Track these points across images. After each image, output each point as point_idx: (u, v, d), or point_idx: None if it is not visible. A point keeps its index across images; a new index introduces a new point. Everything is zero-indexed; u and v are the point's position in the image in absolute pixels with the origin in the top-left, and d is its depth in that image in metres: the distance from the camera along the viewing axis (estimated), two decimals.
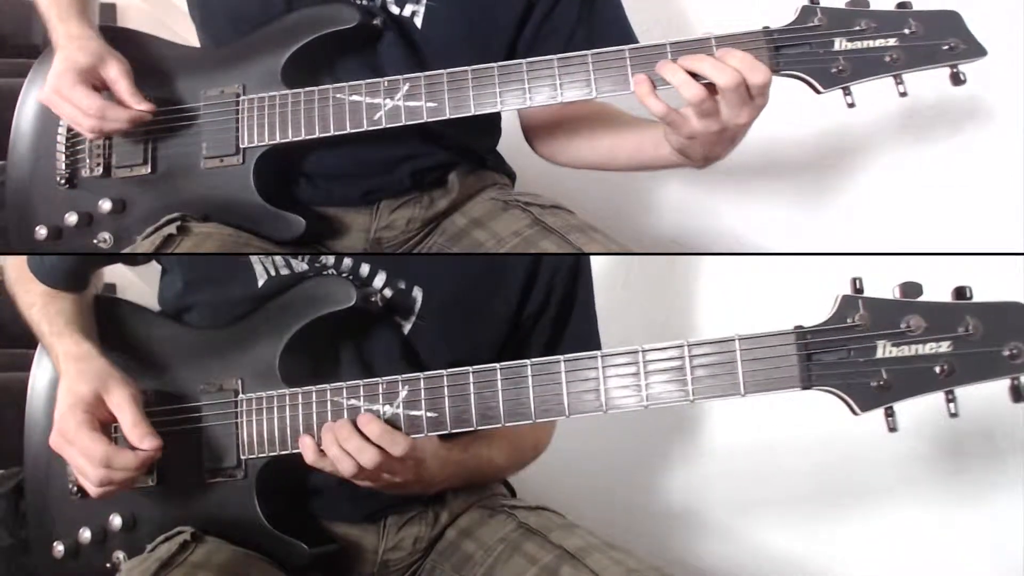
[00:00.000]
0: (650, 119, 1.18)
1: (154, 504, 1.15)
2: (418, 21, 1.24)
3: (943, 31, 1.07)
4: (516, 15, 1.27)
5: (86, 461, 1.06)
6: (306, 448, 1.06)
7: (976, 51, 1.07)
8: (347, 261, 1.19)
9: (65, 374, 1.12)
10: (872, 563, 1.57)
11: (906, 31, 1.08)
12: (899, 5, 1.09)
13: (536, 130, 1.40)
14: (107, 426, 1.10)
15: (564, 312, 1.25)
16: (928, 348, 0.89)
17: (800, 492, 1.60)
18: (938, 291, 0.93)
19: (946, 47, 1.07)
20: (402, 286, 1.17)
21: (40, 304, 1.20)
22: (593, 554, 1.07)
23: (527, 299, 1.22)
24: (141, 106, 1.19)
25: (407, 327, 1.17)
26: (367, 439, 1.03)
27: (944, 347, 0.89)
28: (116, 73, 1.19)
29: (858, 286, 0.92)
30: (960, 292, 0.90)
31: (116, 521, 1.16)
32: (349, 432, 1.03)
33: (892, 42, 1.08)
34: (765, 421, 1.57)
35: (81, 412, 1.08)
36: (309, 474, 1.13)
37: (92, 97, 1.17)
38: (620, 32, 1.29)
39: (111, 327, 1.22)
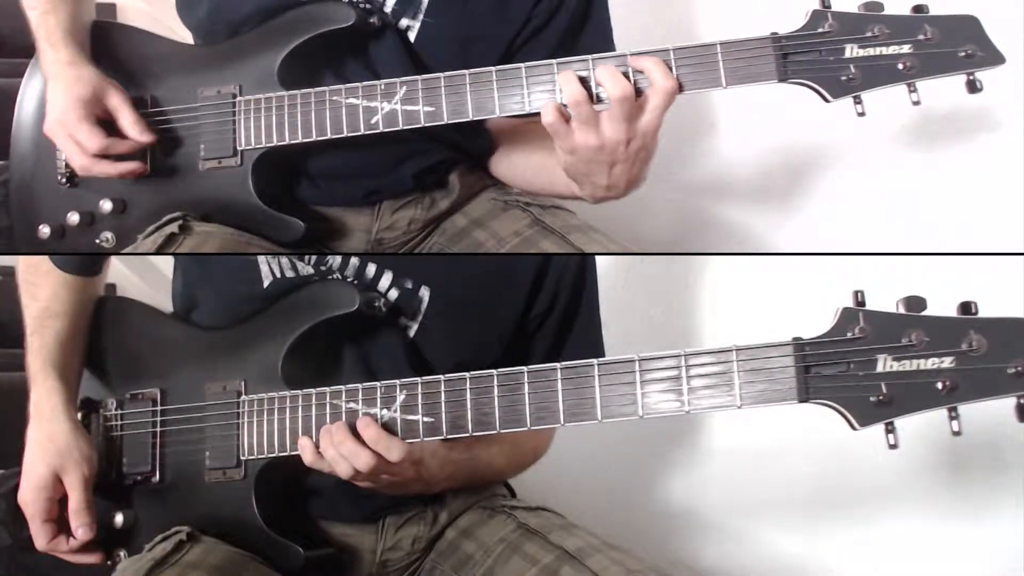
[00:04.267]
0: None
1: (155, 503, 1.16)
2: (412, 36, 1.23)
3: (960, 37, 1.03)
4: (508, 36, 1.25)
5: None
6: (304, 449, 1.06)
7: (994, 58, 1.03)
8: (353, 261, 1.18)
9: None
10: (871, 566, 1.56)
11: (921, 37, 1.03)
12: (914, 9, 1.05)
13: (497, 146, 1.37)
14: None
15: (569, 317, 1.24)
16: (930, 363, 0.87)
17: (800, 494, 1.60)
18: (940, 293, 0.91)
19: (963, 54, 1.03)
20: (409, 286, 1.16)
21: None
22: (593, 555, 1.07)
23: (534, 300, 1.21)
24: (143, 138, 1.19)
25: (413, 327, 1.17)
26: (363, 443, 1.03)
27: (947, 363, 0.86)
28: (117, 102, 1.18)
29: (860, 299, 0.90)
30: (965, 307, 0.88)
31: (118, 519, 1.16)
32: (344, 435, 1.03)
33: (906, 49, 1.04)
34: (765, 422, 1.56)
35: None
36: (307, 475, 1.13)
37: (95, 135, 1.17)
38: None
39: (121, 326, 1.23)
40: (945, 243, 1.53)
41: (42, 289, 1.20)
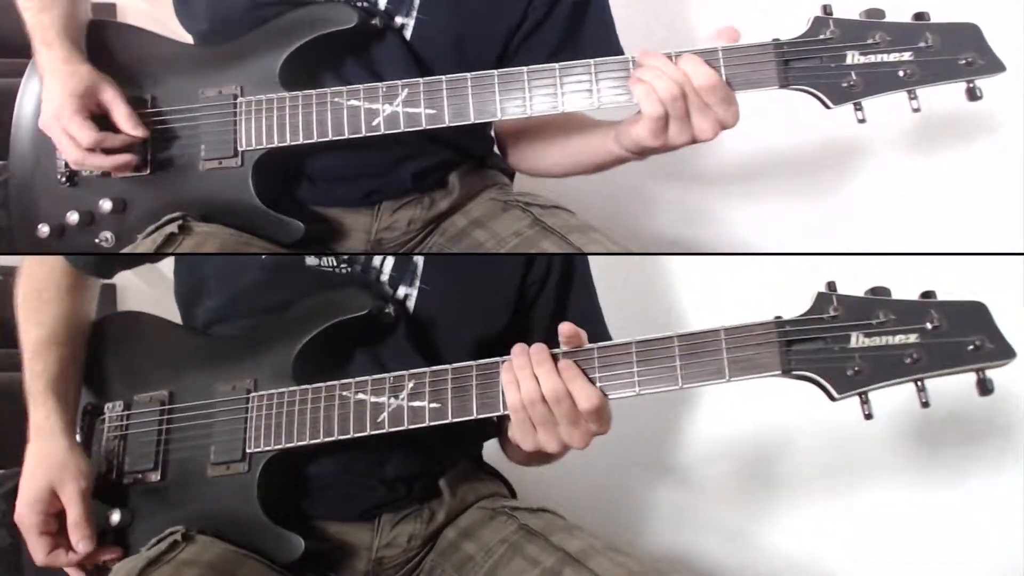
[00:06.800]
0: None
1: (154, 500, 1.20)
2: (407, 34, 1.27)
3: (961, 45, 1.07)
4: (504, 32, 1.30)
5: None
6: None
7: (995, 66, 1.07)
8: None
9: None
10: (871, 566, 1.59)
11: (922, 44, 1.08)
12: (916, 17, 1.09)
13: (513, 138, 1.44)
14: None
15: (564, 287, 1.29)
16: (898, 339, 0.98)
17: (801, 491, 1.63)
18: (941, 293, 0.99)
19: (963, 62, 1.07)
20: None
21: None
22: (595, 557, 1.11)
23: (529, 270, 1.27)
24: (136, 132, 1.23)
25: (413, 294, 1.22)
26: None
27: (912, 338, 0.97)
28: (111, 97, 1.23)
29: (832, 287, 1.01)
30: (926, 294, 0.99)
31: (115, 517, 1.19)
32: (542, 357, 1.05)
33: (907, 56, 1.08)
34: (765, 422, 1.60)
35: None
36: (307, 475, 1.18)
37: (88, 129, 1.21)
38: (608, 52, 1.29)
39: (131, 339, 1.28)
40: (945, 243, 1.57)
41: (47, 316, 1.26)
